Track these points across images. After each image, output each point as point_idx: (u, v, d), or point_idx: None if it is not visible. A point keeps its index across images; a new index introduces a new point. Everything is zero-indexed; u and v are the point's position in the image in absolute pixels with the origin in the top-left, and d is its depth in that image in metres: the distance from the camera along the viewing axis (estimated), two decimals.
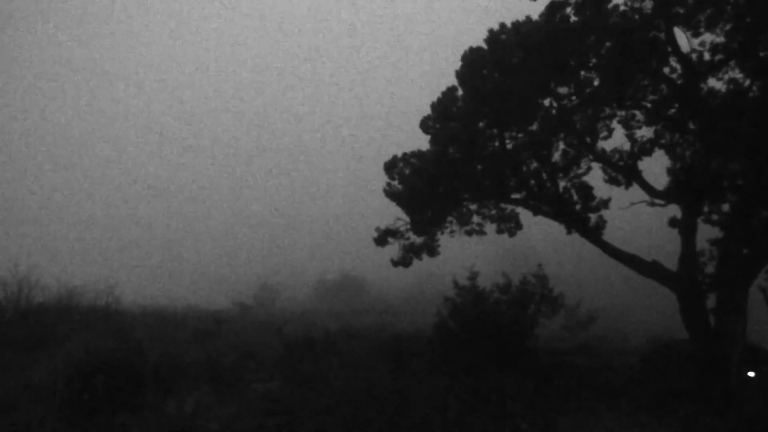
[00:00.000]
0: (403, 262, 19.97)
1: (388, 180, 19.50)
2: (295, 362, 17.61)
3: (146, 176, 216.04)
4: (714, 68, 15.05)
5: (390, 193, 19.46)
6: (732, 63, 14.85)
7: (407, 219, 19.70)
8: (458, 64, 17.52)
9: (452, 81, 17.94)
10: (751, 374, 13.45)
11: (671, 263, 16.38)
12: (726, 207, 16.30)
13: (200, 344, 20.85)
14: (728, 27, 14.15)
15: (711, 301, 15.48)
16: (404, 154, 19.41)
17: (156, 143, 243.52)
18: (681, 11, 14.39)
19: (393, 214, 19.93)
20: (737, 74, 15.08)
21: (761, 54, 14.16)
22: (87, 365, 13.32)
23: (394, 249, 19.97)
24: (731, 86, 15.28)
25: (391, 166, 19.45)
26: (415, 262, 20.23)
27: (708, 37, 14.72)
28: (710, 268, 16.09)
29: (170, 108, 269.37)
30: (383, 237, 19.76)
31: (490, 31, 16.85)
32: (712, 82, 15.67)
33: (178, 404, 12.88)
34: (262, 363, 18.12)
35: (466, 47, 17.47)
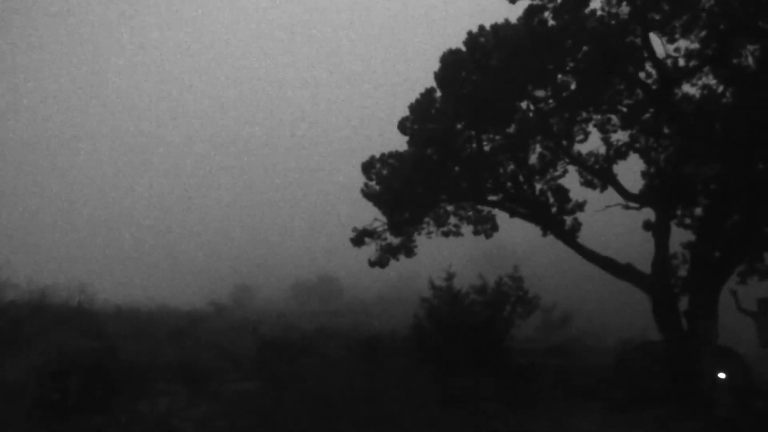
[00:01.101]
0: (380, 262, 19.97)
1: (366, 180, 19.50)
2: (271, 362, 17.50)
3: (120, 175, 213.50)
4: (688, 74, 15.26)
5: (367, 194, 19.46)
6: (706, 69, 15.07)
7: (384, 219, 19.71)
8: (437, 66, 17.57)
9: (431, 82, 17.99)
10: (722, 376, 13.64)
11: (645, 266, 16.57)
12: (699, 211, 16.54)
13: (175, 344, 20.64)
14: (703, 34, 14.36)
15: (683, 304, 15.69)
16: (382, 155, 19.43)
17: (131, 141, 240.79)
18: (657, 17, 14.57)
19: (370, 215, 19.96)
20: (711, 80, 15.33)
21: (734, 61, 14.40)
22: (59, 365, 13.13)
23: (371, 249, 19.98)
24: (705, 92, 15.52)
25: (368, 167, 19.46)
26: (392, 262, 20.26)
27: (683, 44, 14.93)
28: (683, 271, 16.30)
29: (148, 106, 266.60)
30: (360, 237, 19.75)
31: (469, 33, 16.91)
32: (687, 88, 15.92)
33: (152, 405, 12.73)
34: (237, 363, 17.99)
35: (444, 49, 17.54)
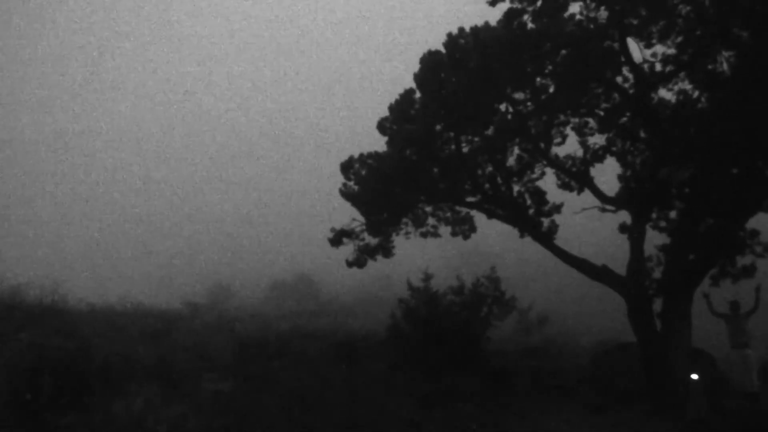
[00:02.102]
0: (358, 263, 19.94)
1: (344, 180, 19.46)
2: (247, 362, 17.40)
3: (94, 172, 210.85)
4: (665, 79, 15.43)
5: (346, 194, 19.42)
6: (682, 74, 15.24)
7: (362, 220, 19.68)
8: (417, 67, 17.58)
9: (410, 83, 17.99)
10: (695, 377, 13.82)
11: (620, 268, 16.74)
12: (673, 214, 16.76)
13: (150, 343, 20.39)
14: (679, 39, 14.51)
15: (658, 306, 15.87)
16: (361, 155, 19.39)
17: (108, 140, 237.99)
18: (634, 23, 14.70)
19: (349, 215, 19.92)
20: (687, 85, 15.49)
21: (710, 67, 14.59)
22: (31, 364, 12.90)
23: (349, 250, 19.94)
24: (681, 97, 15.69)
25: (347, 167, 19.42)
26: (370, 263, 20.24)
27: (660, 49, 15.07)
28: (657, 274, 16.49)
29: (127, 104, 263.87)
30: (338, 238, 19.70)
31: (449, 35, 16.93)
32: (663, 93, 16.10)
33: (126, 405, 12.57)
34: (213, 363, 17.82)
35: (424, 50, 17.55)
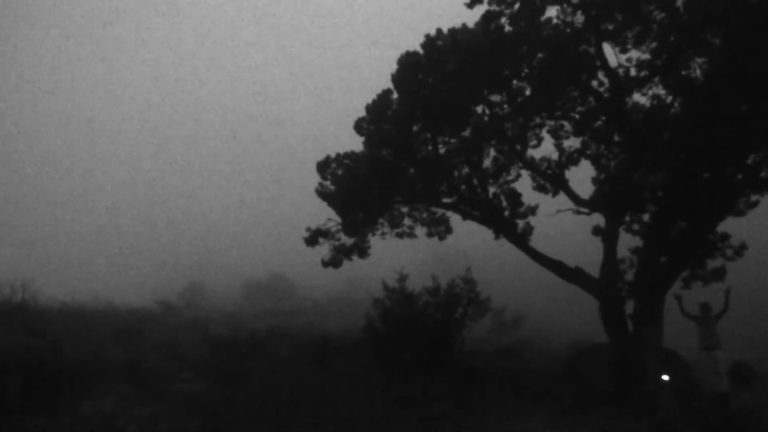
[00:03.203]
0: (334, 262, 19.90)
1: (321, 180, 19.41)
2: (221, 363, 17.25)
3: (67, 169, 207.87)
4: (639, 84, 15.60)
5: (322, 194, 19.37)
6: (656, 79, 15.42)
7: (338, 220, 19.64)
8: (394, 68, 17.56)
9: (388, 84, 17.99)
10: (666, 378, 14.00)
11: (594, 270, 16.89)
12: (646, 217, 16.95)
13: (121, 343, 20.17)
14: (654, 45, 14.69)
15: (630, 307, 16.03)
16: (337, 155, 19.37)
17: (80, 138, 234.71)
18: (610, 28, 14.84)
19: (324, 215, 19.86)
20: (660, 90, 15.69)
21: (683, 72, 14.78)
22: None
23: (324, 249, 19.88)
24: (654, 102, 15.89)
25: (323, 166, 19.37)
26: (346, 263, 20.21)
27: (634, 54, 15.23)
28: (630, 276, 16.65)
29: (101, 101, 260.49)
30: (314, 237, 19.63)
31: (427, 36, 16.96)
32: (637, 97, 16.29)
33: (96, 405, 12.39)
34: (186, 364, 17.68)
35: (402, 51, 17.55)
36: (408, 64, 17.22)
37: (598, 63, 15.42)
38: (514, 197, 18.43)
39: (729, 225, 15.79)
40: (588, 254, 18.75)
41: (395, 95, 17.97)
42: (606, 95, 15.88)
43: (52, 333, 19.04)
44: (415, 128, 17.93)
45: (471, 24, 16.35)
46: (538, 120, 17.56)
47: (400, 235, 20.67)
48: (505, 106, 17.23)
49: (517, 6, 15.15)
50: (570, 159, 17.86)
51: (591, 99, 16.38)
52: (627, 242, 17.08)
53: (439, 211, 20.22)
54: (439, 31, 16.95)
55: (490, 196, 18.56)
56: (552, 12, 15.40)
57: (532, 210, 18.37)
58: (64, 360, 14.34)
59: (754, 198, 15.33)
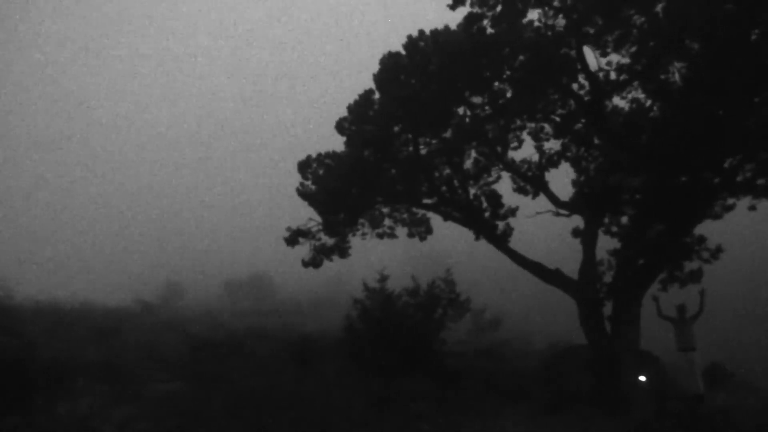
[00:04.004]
0: (314, 262, 19.85)
1: (302, 180, 19.34)
2: (199, 363, 17.13)
3: (43, 166, 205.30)
4: (619, 87, 15.73)
5: (303, 193, 19.31)
6: (635, 83, 15.55)
7: (319, 220, 19.60)
8: (376, 68, 17.56)
9: (370, 84, 17.98)
10: (642, 379, 14.14)
11: (572, 271, 17.02)
12: (625, 219, 17.11)
13: (98, 342, 19.93)
14: (633, 49, 14.80)
15: (608, 309, 16.16)
16: (319, 155, 19.32)
17: (55, 134, 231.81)
18: (591, 31, 14.93)
19: (305, 214, 19.81)
20: (640, 94, 15.84)
21: (662, 77, 14.92)
22: None
23: (304, 249, 19.82)
24: (634, 105, 16.04)
25: (304, 166, 19.31)
26: (327, 263, 20.17)
27: (615, 58, 15.33)
28: (608, 278, 16.80)
29: (77, 98, 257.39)
30: (294, 237, 19.57)
31: (409, 37, 16.97)
32: (617, 101, 16.42)
33: (72, 405, 12.25)
34: (163, 363, 17.51)
35: (384, 51, 17.54)
36: (390, 64, 17.22)
37: (579, 66, 15.51)
38: (495, 198, 18.50)
39: (706, 228, 15.98)
40: (567, 256, 18.89)
41: (377, 95, 17.96)
42: (586, 98, 15.98)
43: (27, 331, 18.77)
44: (396, 129, 17.94)
45: (453, 26, 16.39)
46: (519, 122, 17.64)
47: (380, 236, 20.68)
48: (487, 107, 17.28)
49: (499, 8, 15.19)
50: (550, 161, 17.98)
51: (571, 102, 16.48)
52: (606, 244, 17.23)
53: (420, 211, 20.27)
54: (421, 32, 16.98)
55: (471, 197, 18.62)
56: (534, 15, 15.47)
57: (513, 211, 18.45)
58: (39, 359, 14.14)
59: (730, 201, 15.52)
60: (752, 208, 14.89)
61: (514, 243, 18.25)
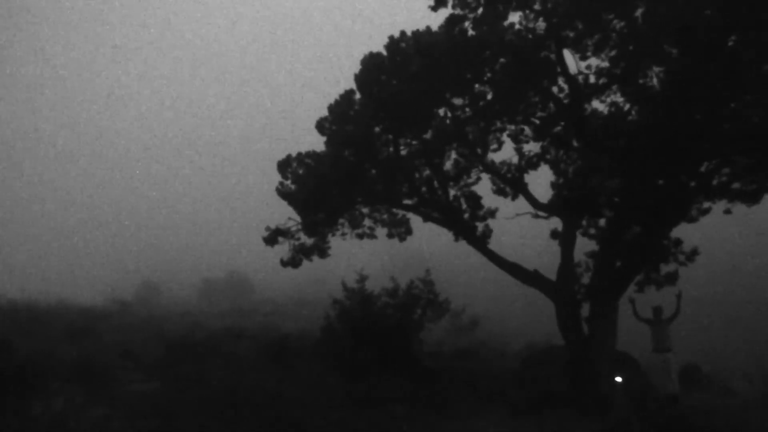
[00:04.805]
0: (293, 262, 19.77)
1: (281, 179, 19.27)
2: (175, 363, 16.99)
3: (18, 163, 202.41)
4: (598, 91, 15.83)
5: (282, 193, 19.23)
6: (614, 87, 15.66)
7: (299, 219, 19.53)
8: (358, 68, 17.54)
9: (351, 84, 17.95)
10: (619, 380, 14.26)
11: (551, 273, 17.12)
12: (602, 222, 17.25)
13: (73, 342, 19.69)
14: (613, 53, 14.92)
15: (585, 310, 16.28)
16: (299, 154, 19.26)
17: (31, 131, 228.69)
18: (571, 35, 15.03)
19: (284, 214, 19.72)
20: (618, 98, 15.94)
21: (640, 81, 15.07)
22: None
23: (284, 249, 19.73)
24: (612, 109, 16.14)
25: (284, 165, 19.24)
26: (306, 263, 20.09)
27: (594, 62, 15.43)
28: (586, 279, 16.95)
29: (52, 96, 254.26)
30: (273, 236, 19.48)
31: (391, 38, 16.97)
32: (596, 104, 16.53)
33: (46, 405, 12.07)
34: (140, 363, 17.35)
35: (366, 52, 17.52)
36: (371, 65, 17.20)
37: (559, 69, 15.61)
38: (474, 200, 18.56)
39: (682, 230, 16.17)
40: (545, 258, 18.99)
41: (358, 96, 17.94)
42: (566, 101, 16.09)
43: (0, 331, 18.49)
44: (377, 129, 17.93)
45: (435, 27, 16.42)
46: (499, 124, 17.70)
47: (360, 236, 20.64)
48: (467, 109, 17.33)
49: (480, 11, 15.25)
50: (529, 163, 18.06)
51: (551, 105, 16.56)
52: (583, 246, 17.37)
53: (400, 212, 20.27)
54: (402, 33, 16.98)
55: (451, 198, 18.66)
56: (515, 18, 15.55)
57: (492, 213, 18.51)
58: (12, 358, 13.94)
59: (706, 205, 15.74)
60: (727, 211, 15.11)
61: (493, 244, 18.32)
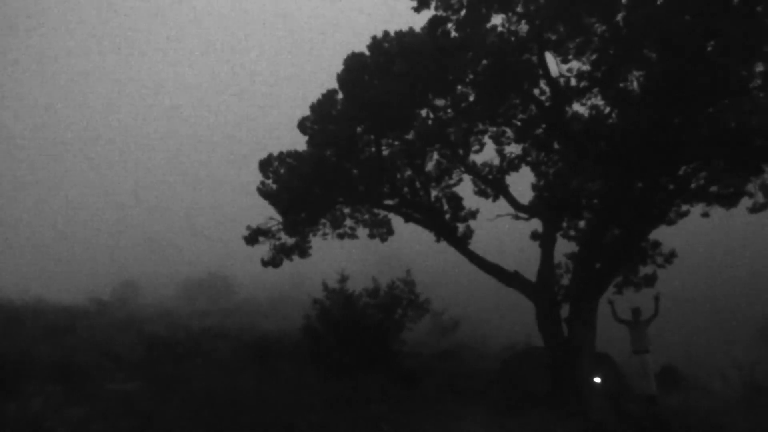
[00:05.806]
0: (274, 262, 19.70)
1: (263, 178, 19.19)
2: (155, 363, 16.88)
3: None
4: (579, 94, 15.93)
5: (264, 192, 19.15)
6: (595, 90, 15.79)
7: (279, 219, 19.47)
8: (340, 67, 17.51)
9: (333, 84, 17.91)
10: (598, 380, 14.40)
11: (531, 274, 17.22)
12: (582, 224, 17.40)
13: (51, 341, 19.49)
14: (594, 57, 15.03)
15: (565, 311, 16.39)
16: (280, 153, 19.18)
17: (9, 129, 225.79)
18: (553, 38, 15.12)
19: (265, 213, 19.65)
20: (599, 101, 16.08)
21: (621, 85, 15.21)
22: None
23: (265, 248, 19.66)
24: (593, 112, 16.28)
25: (266, 165, 19.16)
26: (287, 263, 20.04)
27: (575, 65, 15.52)
28: (566, 280, 17.07)
29: (32, 95, 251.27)
30: (254, 236, 19.40)
31: (374, 38, 16.97)
32: (577, 107, 16.67)
33: (23, 406, 11.93)
34: (119, 363, 17.22)
35: (348, 51, 17.50)
36: (354, 64, 17.18)
37: (541, 72, 15.69)
38: (456, 201, 18.63)
39: (661, 233, 16.36)
40: (526, 259, 19.11)
41: (340, 95, 17.90)
42: (547, 104, 16.17)
43: None
44: (359, 129, 17.90)
45: (418, 28, 16.44)
46: (480, 126, 17.77)
47: (341, 236, 20.62)
48: (449, 110, 17.37)
49: (463, 13, 15.28)
50: (511, 165, 18.16)
51: (532, 107, 16.65)
52: (564, 248, 17.50)
53: (381, 212, 20.27)
54: (386, 33, 16.99)
55: (432, 199, 18.71)
56: (497, 20, 15.60)
57: (473, 214, 18.59)
58: None
59: (684, 208, 15.95)
60: (705, 215, 15.31)
61: (474, 245, 18.39)
